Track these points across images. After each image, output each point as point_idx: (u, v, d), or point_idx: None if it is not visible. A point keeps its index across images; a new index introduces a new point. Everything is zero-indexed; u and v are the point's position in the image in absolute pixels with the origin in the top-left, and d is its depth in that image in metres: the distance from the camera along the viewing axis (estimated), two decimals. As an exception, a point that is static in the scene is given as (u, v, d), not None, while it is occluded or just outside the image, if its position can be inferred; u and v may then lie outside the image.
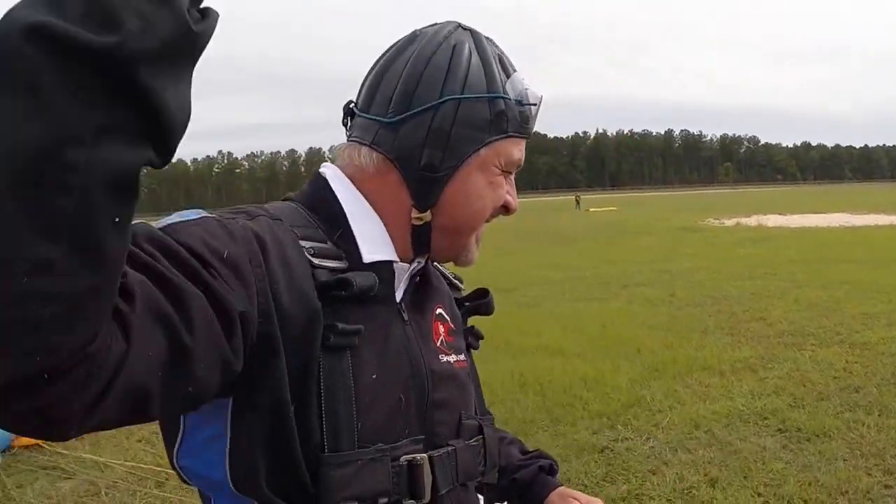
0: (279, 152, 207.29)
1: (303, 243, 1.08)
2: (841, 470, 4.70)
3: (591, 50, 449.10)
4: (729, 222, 32.68)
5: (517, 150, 1.20)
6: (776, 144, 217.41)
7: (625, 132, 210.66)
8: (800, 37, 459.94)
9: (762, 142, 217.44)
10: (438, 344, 1.25)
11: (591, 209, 56.85)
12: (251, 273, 0.95)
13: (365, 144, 1.16)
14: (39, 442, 5.83)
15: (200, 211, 1.00)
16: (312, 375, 1.02)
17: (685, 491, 4.54)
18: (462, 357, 1.32)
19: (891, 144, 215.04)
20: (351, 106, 1.22)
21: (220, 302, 0.87)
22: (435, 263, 1.35)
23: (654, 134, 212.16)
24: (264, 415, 0.99)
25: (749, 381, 6.79)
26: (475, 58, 1.16)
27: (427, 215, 1.18)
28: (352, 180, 1.19)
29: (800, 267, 14.78)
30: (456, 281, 1.44)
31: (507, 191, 1.22)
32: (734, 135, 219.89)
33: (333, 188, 1.18)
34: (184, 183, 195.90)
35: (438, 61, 1.14)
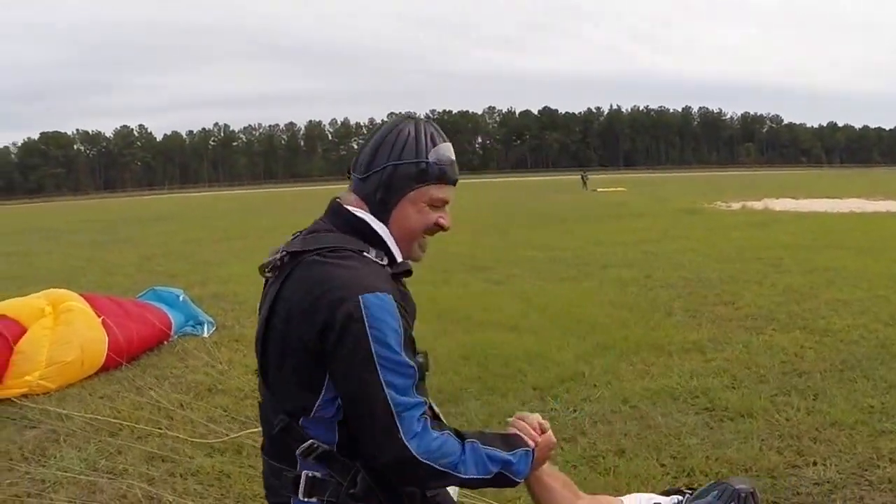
0: (278, 125, 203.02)
1: (381, 262, 2.04)
2: (753, 448, 5.02)
3: (608, 22, 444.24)
4: (735, 205, 32.70)
5: (439, 192, 2.10)
6: (800, 124, 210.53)
7: (640, 108, 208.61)
8: (830, 9, 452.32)
9: (785, 121, 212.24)
10: None
11: (598, 189, 56.67)
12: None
13: (352, 191, 2.12)
14: (10, 396, 6.46)
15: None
16: None
17: (592, 458, 4.95)
18: None
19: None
20: (349, 167, 2.16)
21: None
22: None
23: (671, 111, 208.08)
24: None
25: (694, 362, 7.13)
26: (411, 136, 2.08)
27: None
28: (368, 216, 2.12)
29: (789, 252, 15.01)
30: None
31: (440, 216, 2.12)
32: (756, 113, 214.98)
33: (366, 220, 2.10)
34: (179, 157, 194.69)
35: (388, 140, 2.08)
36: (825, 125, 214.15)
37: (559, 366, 7.03)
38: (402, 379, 1.93)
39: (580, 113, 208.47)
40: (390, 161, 2.07)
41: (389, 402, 1.90)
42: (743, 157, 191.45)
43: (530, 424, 2.22)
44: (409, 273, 2.15)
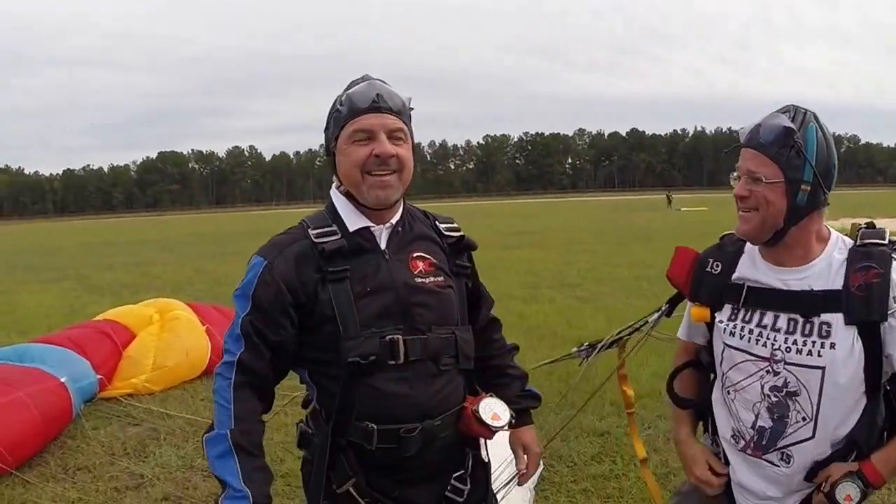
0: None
1: (313, 232, 2.07)
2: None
3: (693, 46, 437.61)
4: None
5: (355, 125, 2.03)
6: (877, 144, 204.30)
7: (724, 130, 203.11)
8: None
9: (862, 141, 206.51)
10: (417, 272, 2.12)
11: (682, 208, 55.55)
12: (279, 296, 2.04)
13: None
14: (117, 395, 6.67)
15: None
16: (323, 297, 2.02)
17: (663, 475, 4.77)
18: (441, 279, 2.17)
19: None
20: None
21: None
22: (437, 223, 2.28)
23: None
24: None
25: (774, 381, 6.85)
26: (343, 92, 2.10)
27: (343, 188, 2.14)
28: (336, 187, 2.18)
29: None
30: (449, 232, 2.28)
31: (373, 148, 2.03)
32: (834, 133, 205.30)
33: (331, 195, 2.19)
34: (286, 175, 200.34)
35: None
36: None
37: (637, 382, 6.72)
38: (234, 324, 2.06)
39: (666, 134, 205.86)
40: (325, 129, 2.16)
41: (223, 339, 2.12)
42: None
43: None
44: (342, 252, 2.06)
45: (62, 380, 5.82)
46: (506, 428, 2.18)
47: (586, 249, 21.63)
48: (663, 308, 2.75)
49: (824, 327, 2.00)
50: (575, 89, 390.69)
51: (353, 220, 2.12)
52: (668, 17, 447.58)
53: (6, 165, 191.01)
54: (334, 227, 2.10)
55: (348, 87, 2.10)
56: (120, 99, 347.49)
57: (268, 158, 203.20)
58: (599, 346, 3.20)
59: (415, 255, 2.16)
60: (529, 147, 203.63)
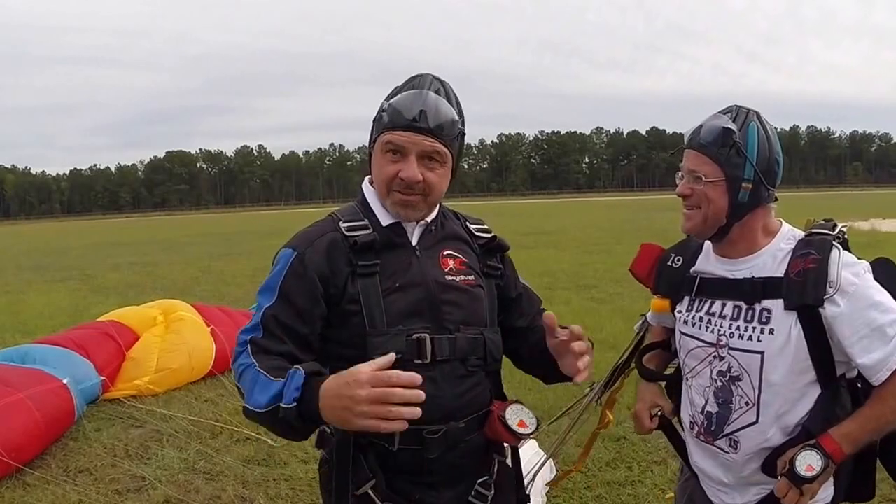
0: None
1: (343, 225, 2.06)
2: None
3: (717, 42, 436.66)
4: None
5: (387, 137, 2.00)
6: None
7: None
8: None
9: (895, 139, 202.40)
10: (447, 270, 2.12)
11: (703, 209, 55.32)
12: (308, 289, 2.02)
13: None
14: (120, 396, 6.72)
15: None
16: (351, 291, 2.00)
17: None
18: (471, 278, 2.16)
19: None
20: None
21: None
22: (468, 224, 2.29)
23: (778, 130, 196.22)
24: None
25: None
26: (393, 91, 2.07)
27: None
28: (369, 182, 2.18)
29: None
30: (480, 233, 2.28)
31: (400, 168, 2.01)
32: (865, 132, 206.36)
33: (363, 187, 2.20)
34: (296, 175, 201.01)
35: None
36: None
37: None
38: (255, 314, 2.04)
39: (688, 132, 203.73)
40: (373, 120, 2.12)
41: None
42: (851, 177, 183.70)
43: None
44: (368, 245, 2.03)
45: (64, 381, 5.88)
46: (531, 436, 2.17)
47: (603, 250, 21.61)
48: (643, 317, 2.78)
49: (765, 313, 2.11)
50: (593, 87, 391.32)
51: (386, 215, 2.12)
52: (692, 12, 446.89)
53: (13, 165, 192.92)
54: (366, 221, 2.10)
55: (405, 86, 2.08)
56: (127, 98, 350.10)
57: (277, 158, 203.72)
58: (608, 383, 3.27)
59: (445, 253, 2.16)
60: (545, 146, 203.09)
